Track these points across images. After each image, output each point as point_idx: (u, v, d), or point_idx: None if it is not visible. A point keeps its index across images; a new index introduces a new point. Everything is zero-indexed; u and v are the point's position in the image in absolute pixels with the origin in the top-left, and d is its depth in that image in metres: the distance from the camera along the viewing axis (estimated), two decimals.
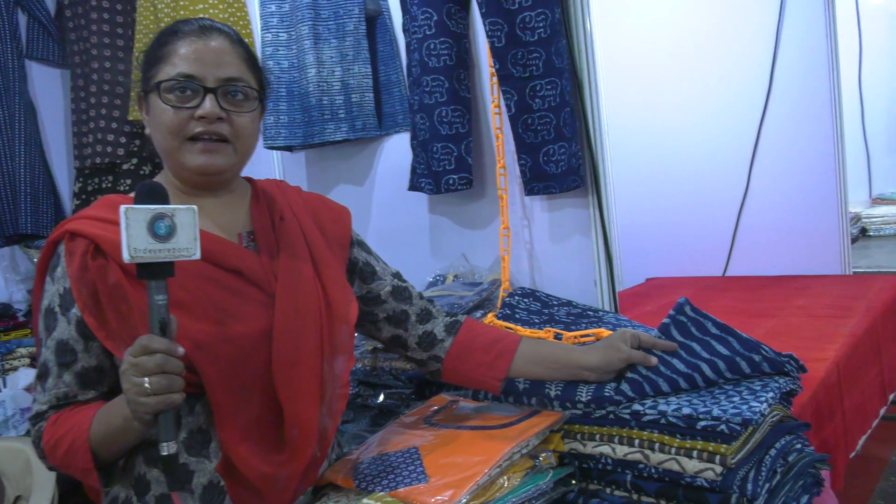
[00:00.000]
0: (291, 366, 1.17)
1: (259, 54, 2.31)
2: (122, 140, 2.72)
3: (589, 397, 1.34)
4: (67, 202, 2.92)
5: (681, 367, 1.32)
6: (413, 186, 2.10)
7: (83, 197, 2.80)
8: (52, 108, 2.95)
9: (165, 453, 0.98)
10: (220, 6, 2.48)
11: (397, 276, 1.44)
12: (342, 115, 2.17)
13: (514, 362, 1.37)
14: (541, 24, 1.76)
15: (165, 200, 1.01)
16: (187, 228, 1.01)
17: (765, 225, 3.51)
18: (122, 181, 2.73)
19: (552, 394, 1.39)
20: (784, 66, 3.42)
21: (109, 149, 2.71)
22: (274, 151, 2.49)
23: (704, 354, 1.33)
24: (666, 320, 1.40)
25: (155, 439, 0.99)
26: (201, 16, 2.46)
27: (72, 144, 2.88)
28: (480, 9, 1.81)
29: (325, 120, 2.17)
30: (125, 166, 2.73)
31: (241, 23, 2.54)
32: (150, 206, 0.99)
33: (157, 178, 1.27)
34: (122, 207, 0.96)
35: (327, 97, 2.16)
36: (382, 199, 2.33)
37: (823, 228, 3.19)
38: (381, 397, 1.77)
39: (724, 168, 3.59)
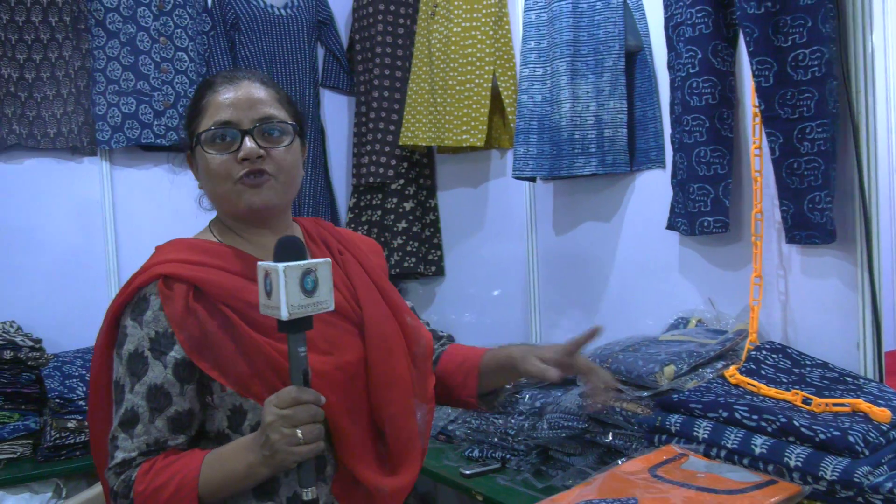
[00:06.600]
0: (388, 387, 1.24)
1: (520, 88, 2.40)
2: (393, 162, 2.99)
3: (835, 476, 1.24)
4: (343, 215, 3.28)
5: None
6: (670, 225, 2.06)
7: (356, 211, 3.13)
8: (338, 131, 3.34)
9: (308, 499, 1.03)
10: (488, 42, 2.62)
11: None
12: (593, 150, 2.19)
13: (479, 377, 1.42)
14: (815, 63, 1.64)
15: (304, 254, 1.05)
16: (326, 281, 1.05)
17: None
18: (389, 199, 3.00)
19: (792, 464, 1.30)
20: None
21: (381, 169, 2.99)
22: (525, 183, 2.58)
23: None
24: None
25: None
26: (469, 50, 2.61)
27: (351, 164, 3.23)
28: (748, 48, 1.73)
29: (575, 153, 2.20)
30: (392, 186, 3.00)
31: (506, 56, 2.66)
32: (301, 263, 1.02)
33: (212, 224, 1.32)
34: (281, 266, 1.01)
35: (579, 131, 2.19)
36: (630, 234, 2.30)
37: None
38: (610, 436, 1.76)
39: None
